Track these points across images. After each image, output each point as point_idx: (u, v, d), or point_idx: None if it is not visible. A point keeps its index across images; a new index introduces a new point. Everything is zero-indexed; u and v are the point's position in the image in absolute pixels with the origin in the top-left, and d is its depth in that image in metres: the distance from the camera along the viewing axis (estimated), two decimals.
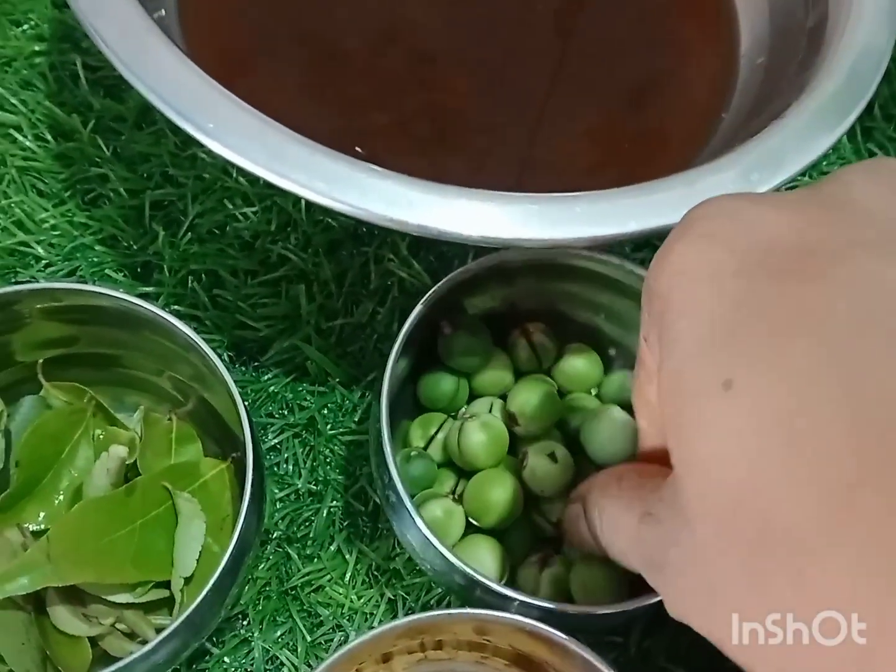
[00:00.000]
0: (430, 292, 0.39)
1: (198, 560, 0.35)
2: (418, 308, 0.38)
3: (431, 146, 0.46)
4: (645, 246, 0.50)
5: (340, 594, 0.41)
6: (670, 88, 0.51)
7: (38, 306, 0.37)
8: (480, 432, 0.39)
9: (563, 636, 0.34)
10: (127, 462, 0.36)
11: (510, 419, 0.41)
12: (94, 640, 0.35)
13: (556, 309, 0.45)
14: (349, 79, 0.47)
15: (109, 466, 0.35)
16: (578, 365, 0.44)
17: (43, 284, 0.37)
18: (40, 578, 0.32)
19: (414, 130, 0.47)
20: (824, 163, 0.54)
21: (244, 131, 0.34)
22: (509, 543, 0.40)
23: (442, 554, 0.35)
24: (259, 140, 0.34)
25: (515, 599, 0.35)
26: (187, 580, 0.35)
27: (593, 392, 0.45)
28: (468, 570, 0.35)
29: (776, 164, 0.38)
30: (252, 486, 0.34)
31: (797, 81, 0.42)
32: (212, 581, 0.32)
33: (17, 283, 0.45)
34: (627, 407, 0.42)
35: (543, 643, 0.35)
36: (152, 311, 0.37)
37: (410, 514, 0.35)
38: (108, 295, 0.37)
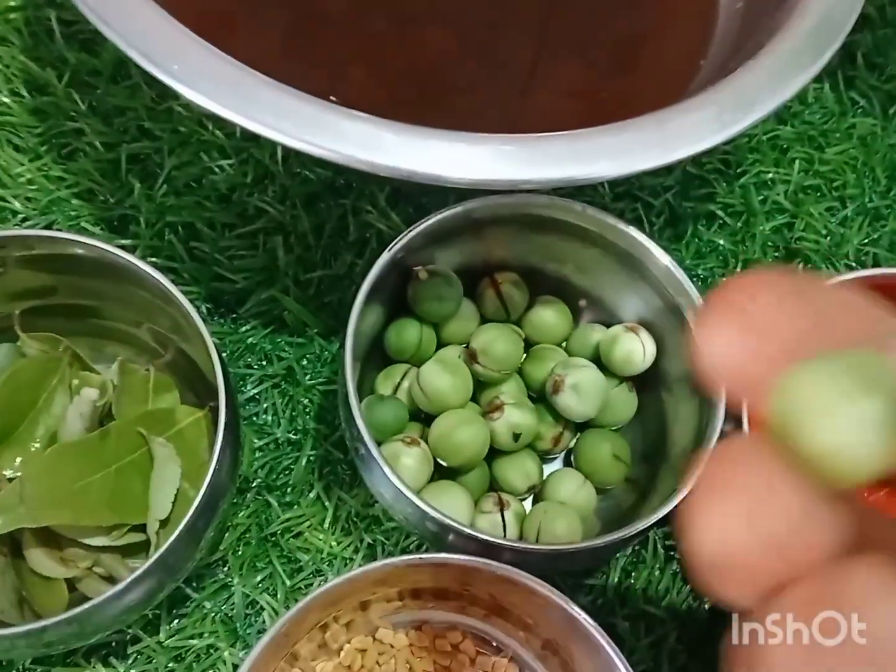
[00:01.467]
0: (398, 239, 0.39)
1: (173, 503, 0.35)
2: (385, 255, 0.38)
3: (414, 105, 0.46)
4: (624, 196, 0.50)
5: (320, 540, 0.41)
6: (652, 39, 0.50)
7: (14, 254, 0.37)
8: (443, 372, 0.40)
9: (534, 579, 0.34)
10: (98, 404, 0.36)
11: (471, 357, 0.41)
12: (71, 584, 0.35)
13: (527, 261, 0.44)
14: (330, 38, 0.46)
15: (82, 410, 0.35)
16: (547, 316, 0.44)
17: (15, 231, 0.37)
18: (13, 520, 0.32)
19: (397, 90, 0.46)
20: (806, 111, 0.54)
21: (213, 75, 0.34)
22: (469, 486, 0.40)
23: (413, 502, 0.35)
24: (229, 83, 0.34)
25: (486, 542, 0.35)
26: (163, 523, 0.35)
27: (563, 345, 0.45)
28: (439, 517, 0.35)
29: (748, 104, 0.38)
30: (224, 430, 0.34)
31: (772, 24, 0.41)
32: (184, 522, 0.32)
33: None
34: (595, 360, 0.42)
35: (518, 590, 0.35)
36: (129, 261, 0.36)
37: (379, 466, 0.35)
38: (83, 243, 0.37)
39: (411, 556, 0.34)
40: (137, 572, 0.32)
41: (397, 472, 0.36)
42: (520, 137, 0.35)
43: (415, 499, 0.35)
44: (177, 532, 0.32)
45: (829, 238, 0.50)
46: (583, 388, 0.40)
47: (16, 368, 0.37)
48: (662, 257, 0.40)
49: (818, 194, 0.52)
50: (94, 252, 0.37)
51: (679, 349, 0.41)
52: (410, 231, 0.39)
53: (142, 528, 0.36)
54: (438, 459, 0.40)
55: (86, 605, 0.31)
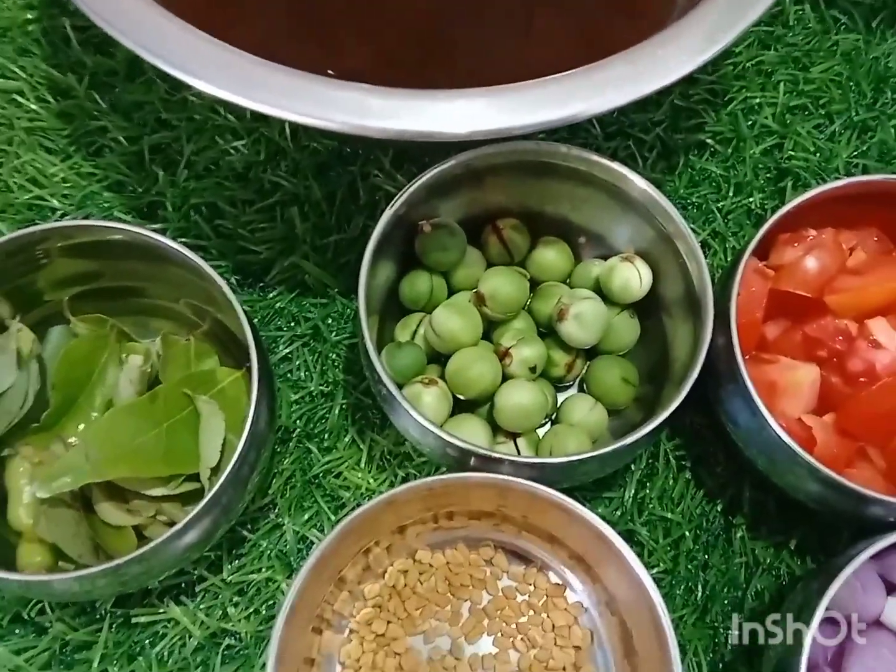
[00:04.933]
0: (399, 195, 0.42)
1: (221, 453, 0.39)
2: (388, 211, 0.41)
3: (412, 67, 0.49)
4: (616, 135, 0.53)
5: (358, 478, 0.45)
6: None
7: (57, 245, 0.41)
8: (454, 314, 0.43)
9: (556, 493, 0.38)
10: (144, 369, 0.40)
11: (479, 300, 0.44)
12: (139, 531, 0.40)
13: (526, 206, 0.47)
14: (324, 14, 0.49)
15: (131, 377, 0.40)
16: (549, 256, 0.47)
17: (55, 224, 0.41)
18: (81, 476, 0.37)
19: (393, 55, 0.49)
20: (789, 34, 0.56)
21: (212, 61, 0.37)
22: (486, 418, 0.44)
23: (434, 433, 0.38)
24: (226, 68, 0.37)
25: (501, 460, 0.39)
26: (213, 471, 0.39)
27: (567, 281, 0.48)
28: (458, 443, 0.38)
29: (712, 35, 0.40)
30: (258, 384, 0.38)
31: None
32: (230, 466, 0.36)
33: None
34: (597, 292, 0.45)
35: (543, 506, 0.39)
36: (162, 242, 0.40)
37: (401, 405, 0.39)
38: (118, 228, 0.40)
39: (430, 478, 0.38)
40: (193, 513, 0.36)
41: (419, 409, 0.40)
42: (495, 89, 0.38)
43: (435, 429, 0.38)
44: (224, 475, 0.36)
45: (818, 154, 0.52)
46: (585, 317, 0.43)
47: (69, 347, 0.41)
48: (641, 183, 0.42)
49: (805, 113, 0.53)
50: (130, 236, 0.41)
51: (675, 277, 0.44)
52: (410, 186, 0.42)
53: (195, 477, 0.40)
54: (456, 394, 0.43)
55: (151, 545, 0.35)
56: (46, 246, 0.41)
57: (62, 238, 0.41)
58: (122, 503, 0.39)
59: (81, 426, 0.41)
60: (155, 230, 0.46)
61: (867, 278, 0.43)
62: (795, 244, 0.45)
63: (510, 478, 0.38)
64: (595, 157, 0.43)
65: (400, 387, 0.40)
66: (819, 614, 0.35)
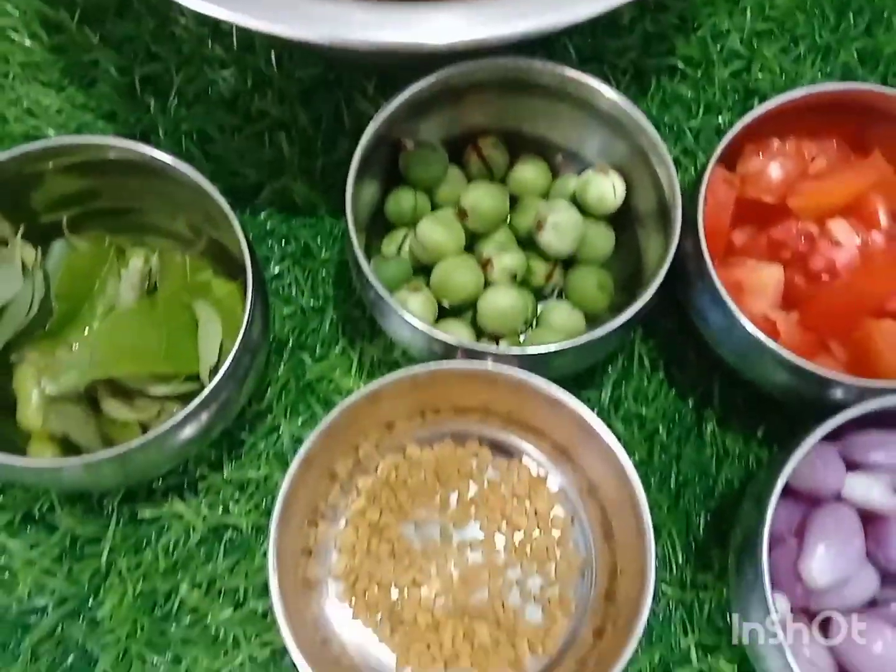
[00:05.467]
0: (381, 110, 0.44)
1: (219, 353, 0.42)
2: (370, 127, 0.43)
3: None
4: (591, 60, 0.55)
5: (350, 384, 0.48)
6: None
7: (55, 164, 0.43)
8: (437, 226, 0.46)
9: (545, 380, 0.41)
10: (144, 271, 0.43)
11: (461, 215, 0.46)
12: (145, 429, 0.42)
13: (505, 125, 0.49)
14: None
15: (132, 281, 0.42)
16: (528, 173, 0.49)
17: (50, 141, 0.42)
18: (87, 372, 0.39)
19: None
20: None
21: None
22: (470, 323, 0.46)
23: (422, 331, 0.41)
24: None
25: (488, 354, 0.41)
26: (212, 371, 0.41)
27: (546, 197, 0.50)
28: (446, 338, 0.41)
29: None
30: (253, 291, 0.40)
31: None
32: (227, 363, 0.39)
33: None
34: (575, 205, 0.48)
35: (530, 397, 0.42)
36: (160, 157, 0.42)
37: (390, 305, 0.41)
38: (115, 145, 0.42)
39: (414, 367, 0.41)
40: (191, 406, 0.38)
41: (410, 310, 0.42)
42: (473, 2, 0.40)
43: (422, 326, 0.41)
44: (221, 372, 0.39)
45: (784, 76, 0.55)
46: (562, 226, 0.46)
47: (70, 259, 0.43)
48: (613, 95, 0.44)
49: (771, 37, 0.56)
50: (128, 153, 0.42)
51: (648, 188, 0.46)
52: (391, 102, 0.44)
53: (195, 380, 0.42)
54: (441, 301, 0.46)
55: (153, 433, 0.37)
56: (44, 165, 0.43)
57: (60, 155, 0.42)
58: (126, 401, 0.41)
59: (85, 333, 0.43)
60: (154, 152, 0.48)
61: (827, 181, 0.45)
62: (760, 154, 0.47)
63: (495, 364, 0.40)
64: (569, 72, 0.45)
65: None
66: (779, 485, 0.38)
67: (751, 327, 0.41)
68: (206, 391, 0.38)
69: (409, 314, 0.41)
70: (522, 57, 0.45)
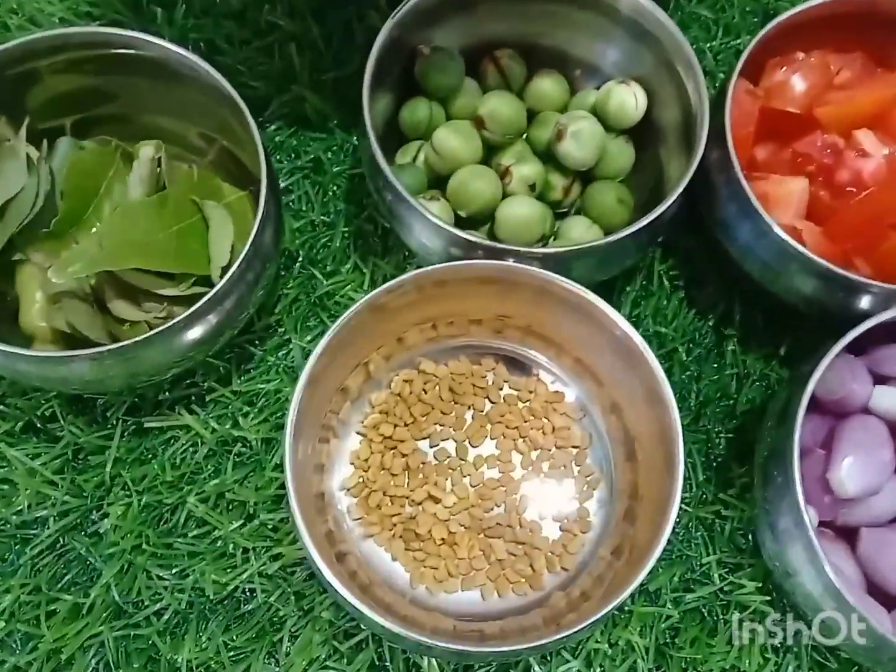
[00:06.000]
0: (394, 15, 0.42)
1: (230, 257, 0.40)
2: (384, 29, 0.42)
3: None
4: None
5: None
6: None
7: (57, 58, 0.41)
8: (454, 134, 0.44)
9: (567, 280, 0.39)
10: (155, 160, 0.41)
11: (478, 124, 0.45)
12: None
13: (523, 35, 0.48)
14: None
15: (141, 173, 0.40)
16: (546, 85, 0.48)
17: (48, 34, 0.40)
18: (94, 262, 0.37)
19: None
20: None
21: None
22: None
23: (445, 229, 0.39)
24: None
25: (510, 251, 0.40)
26: (223, 272, 0.40)
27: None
28: (468, 236, 0.39)
29: None
30: (266, 190, 0.38)
31: None
32: (235, 266, 0.37)
33: None
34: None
35: (550, 304, 0.40)
36: (175, 50, 0.40)
37: (412, 204, 0.39)
38: (123, 35, 0.40)
39: (422, 270, 0.39)
40: (199, 304, 0.37)
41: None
42: None
43: (443, 224, 0.39)
44: (228, 274, 0.37)
45: None
46: (582, 136, 0.44)
47: (76, 158, 0.42)
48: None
49: None
50: (139, 48, 0.41)
51: (671, 100, 0.45)
52: (404, 6, 0.42)
53: (204, 282, 0.40)
54: (457, 210, 0.44)
55: (158, 329, 0.36)
56: (49, 59, 0.41)
57: (65, 50, 0.41)
58: (133, 302, 0.40)
59: (94, 230, 0.41)
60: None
61: (853, 91, 0.44)
62: (784, 67, 0.46)
63: (517, 265, 0.39)
64: None
65: None
66: (808, 391, 0.37)
67: (782, 233, 0.40)
68: (213, 291, 0.37)
69: (431, 215, 0.39)
70: None
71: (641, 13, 0.44)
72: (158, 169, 0.42)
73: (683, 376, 0.45)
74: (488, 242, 0.39)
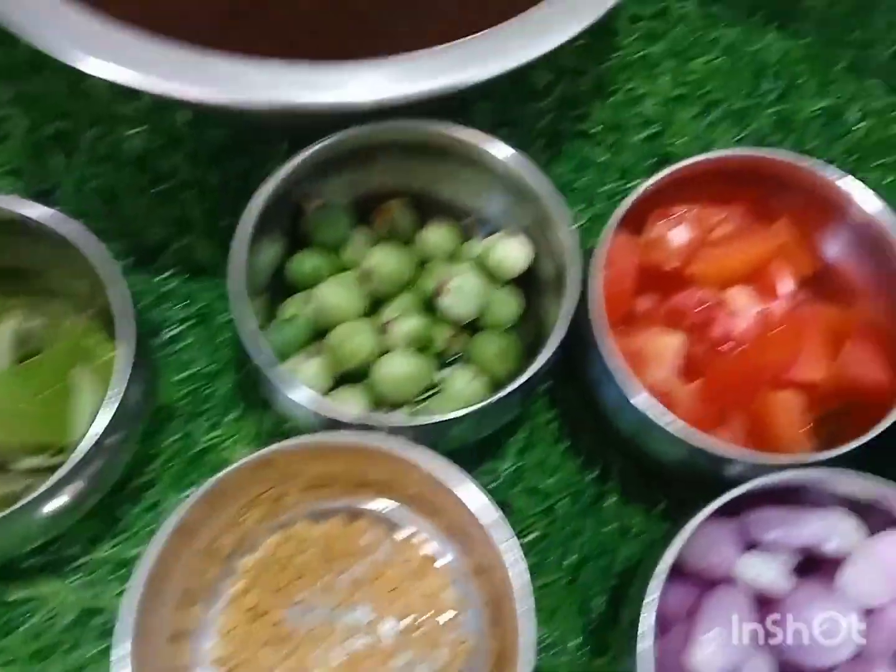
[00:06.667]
0: (278, 171, 0.43)
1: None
2: (267, 186, 0.43)
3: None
4: (506, 123, 0.54)
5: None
6: None
7: None
8: (336, 289, 0.44)
9: (402, 444, 0.39)
10: (22, 332, 0.41)
11: (364, 276, 0.45)
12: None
13: (415, 187, 0.49)
14: None
15: (3, 346, 0.40)
16: (436, 235, 0.48)
17: None
18: None
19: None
20: (673, 30, 0.58)
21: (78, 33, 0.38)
22: (367, 390, 0.45)
23: (300, 405, 0.40)
24: (98, 39, 0.38)
25: (378, 427, 0.40)
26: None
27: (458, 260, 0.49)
28: (327, 411, 0.39)
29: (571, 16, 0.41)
30: (126, 350, 0.38)
31: None
32: (89, 435, 0.37)
33: None
34: (483, 269, 0.47)
35: (409, 470, 0.40)
36: (51, 227, 0.41)
37: (270, 378, 0.40)
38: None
39: (286, 442, 0.39)
40: (53, 479, 0.36)
41: (299, 381, 0.41)
42: (355, 63, 0.39)
43: (300, 398, 0.39)
44: (85, 444, 0.37)
45: (697, 141, 0.54)
46: (463, 290, 0.45)
47: None
48: (507, 156, 0.44)
49: (686, 102, 0.56)
50: (13, 215, 0.41)
51: (549, 253, 0.45)
52: (290, 162, 0.43)
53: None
54: (336, 367, 0.44)
55: (20, 503, 0.36)
56: None
57: None
58: None
59: None
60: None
61: (726, 249, 0.45)
62: (665, 220, 0.46)
63: (376, 438, 0.39)
64: (465, 134, 0.44)
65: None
66: (663, 566, 0.37)
67: (645, 400, 0.40)
68: (69, 464, 0.37)
69: (289, 385, 0.40)
70: (421, 119, 0.45)
71: (516, 172, 0.45)
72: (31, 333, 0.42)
73: (563, 532, 0.45)
74: (349, 418, 0.39)
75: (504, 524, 0.38)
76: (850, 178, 0.44)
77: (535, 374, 0.41)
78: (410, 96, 0.40)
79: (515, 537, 0.38)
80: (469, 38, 0.41)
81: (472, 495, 0.39)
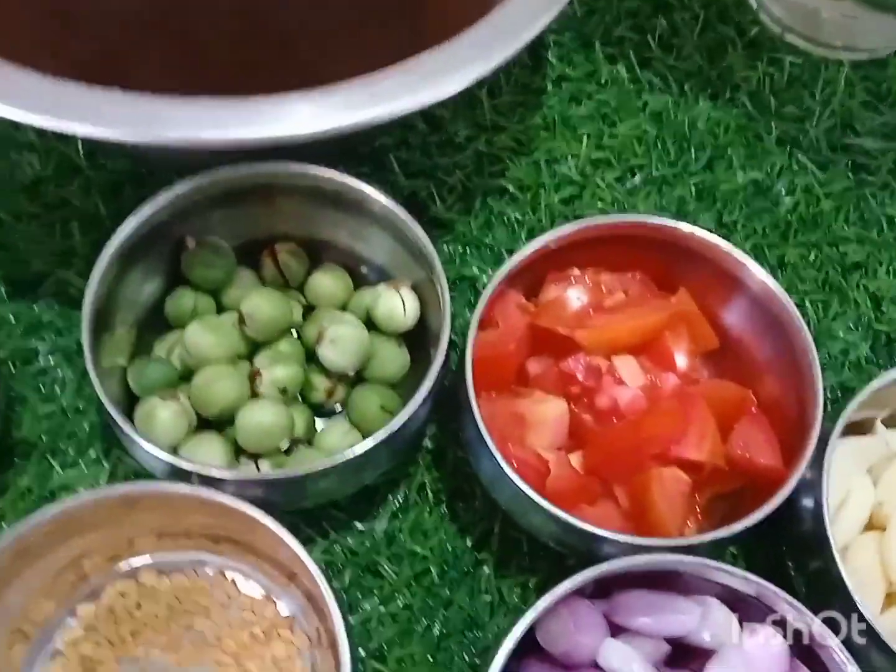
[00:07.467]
0: (143, 206, 0.41)
1: None
2: (130, 221, 0.41)
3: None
4: (418, 175, 0.53)
5: None
6: None
7: None
8: (205, 331, 0.42)
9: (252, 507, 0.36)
10: None
11: (240, 320, 0.43)
12: None
13: (307, 232, 0.47)
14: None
15: None
16: (325, 282, 0.46)
17: None
18: None
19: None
20: (600, 92, 0.57)
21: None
22: (231, 438, 0.42)
23: (152, 454, 0.37)
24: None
25: (234, 481, 0.38)
26: None
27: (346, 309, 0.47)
28: (183, 464, 0.37)
29: (486, 54, 0.40)
30: None
31: None
32: None
33: None
34: (369, 322, 0.45)
35: (253, 525, 0.38)
36: None
37: (120, 426, 0.38)
38: None
39: (134, 484, 0.37)
40: None
41: (153, 426, 0.39)
42: (256, 99, 0.37)
43: (147, 446, 0.37)
44: None
45: (615, 205, 0.53)
46: (342, 341, 0.43)
47: None
48: (387, 205, 0.43)
49: (607, 166, 0.54)
50: None
51: (434, 305, 0.43)
52: (156, 198, 0.42)
53: None
54: (198, 412, 0.42)
55: None
56: None
57: None
58: None
59: None
60: None
61: (615, 316, 0.43)
62: (559, 283, 0.45)
63: (210, 492, 0.37)
64: (345, 179, 0.43)
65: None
66: (505, 648, 0.34)
67: (513, 474, 0.37)
68: None
69: (136, 433, 0.38)
70: (318, 166, 0.43)
71: (396, 223, 0.43)
72: None
73: (432, 602, 0.42)
74: (191, 468, 0.37)
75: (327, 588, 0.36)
76: (748, 256, 0.43)
77: (401, 430, 0.39)
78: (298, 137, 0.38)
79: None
80: (379, 73, 0.39)
81: (311, 568, 0.36)
